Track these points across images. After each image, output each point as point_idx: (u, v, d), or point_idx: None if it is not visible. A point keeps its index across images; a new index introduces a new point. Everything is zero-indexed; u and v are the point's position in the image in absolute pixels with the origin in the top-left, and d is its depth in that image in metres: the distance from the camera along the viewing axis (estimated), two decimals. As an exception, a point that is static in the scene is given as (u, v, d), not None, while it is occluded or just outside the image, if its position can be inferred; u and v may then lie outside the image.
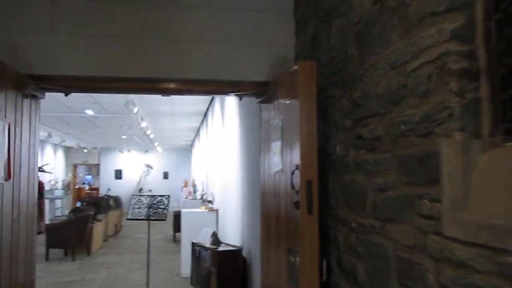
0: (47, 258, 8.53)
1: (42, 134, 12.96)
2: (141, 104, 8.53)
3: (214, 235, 4.66)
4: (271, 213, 2.92)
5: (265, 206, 3.06)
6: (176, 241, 10.66)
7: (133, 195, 6.20)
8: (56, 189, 17.31)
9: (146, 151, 19.94)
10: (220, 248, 4.19)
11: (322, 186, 2.44)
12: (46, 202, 15.29)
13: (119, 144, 18.38)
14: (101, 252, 9.42)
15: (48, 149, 17.28)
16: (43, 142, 16.22)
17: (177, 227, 10.59)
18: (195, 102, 8.65)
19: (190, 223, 7.13)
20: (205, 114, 10.07)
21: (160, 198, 5.97)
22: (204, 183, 10.00)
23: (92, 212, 9.15)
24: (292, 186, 2.42)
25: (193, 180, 13.94)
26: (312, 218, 2.37)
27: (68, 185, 19.97)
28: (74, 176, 21.08)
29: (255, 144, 3.86)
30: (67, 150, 19.83)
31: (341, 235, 2.34)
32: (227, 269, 4.13)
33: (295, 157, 2.42)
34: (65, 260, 8.53)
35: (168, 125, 12.11)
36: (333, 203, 2.43)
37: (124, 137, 15.05)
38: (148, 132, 11.18)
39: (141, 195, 6.07)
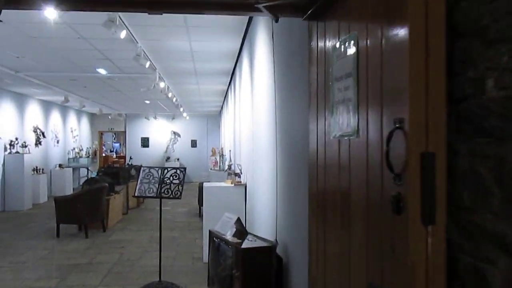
0: (57, 234, 7.67)
1: (58, 98, 12.06)
2: (156, 60, 7.33)
3: (239, 223, 3.49)
4: (330, 207, 1.69)
5: (317, 195, 1.82)
6: (202, 216, 9.64)
7: (141, 167, 5.08)
8: (80, 157, 16.65)
9: (173, 118, 18.96)
10: (247, 244, 3.02)
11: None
12: (70, 170, 14.64)
13: (144, 110, 17.44)
14: (118, 228, 8.52)
15: (72, 115, 16.53)
16: (65, 108, 15.44)
17: (202, 200, 9.57)
18: (219, 58, 7.37)
19: (213, 200, 6.01)
20: (232, 74, 8.79)
21: (173, 171, 4.82)
22: (232, 152, 8.84)
23: (106, 184, 8.18)
24: (389, 164, 1.16)
25: (221, 149, 12.84)
26: (434, 235, 1.12)
27: (95, 153, 19.35)
28: (101, 143, 20.44)
29: (298, 97, 2.60)
30: (92, 117, 19.10)
31: (495, 272, 1.07)
32: (255, 273, 2.98)
33: (392, 107, 1.16)
34: (77, 237, 7.65)
35: (192, 88, 10.93)
36: (471, 201, 1.16)
37: (147, 102, 14.01)
38: (170, 95, 10.03)
39: (152, 168, 4.94)
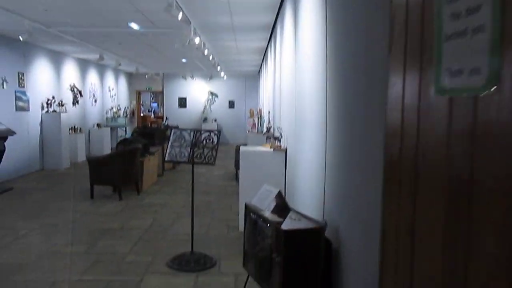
0: (92, 195, 7.49)
1: (94, 56, 11.76)
2: (190, 12, 6.74)
3: (280, 197, 2.99)
4: (426, 193, 1.13)
5: (399, 174, 1.26)
6: (239, 179, 9.27)
7: (172, 129, 4.62)
8: (118, 116, 16.56)
9: (211, 78, 18.46)
10: (289, 225, 2.52)
11: None
12: (108, 130, 14.58)
13: (181, 69, 17.00)
14: (152, 190, 8.27)
15: (109, 74, 16.34)
16: (102, 66, 15.23)
17: (239, 164, 9.16)
18: (259, 10, 6.69)
19: (250, 166, 5.54)
20: (273, 29, 8.09)
21: (207, 134, 4.34)
22: (271, 114, 8.28)
23: (140, 145, 7.86)
24: None
25: (260, 110, 12.29)
26: None
27: (133, 112, 19.29)
28: (139, 103, 20.33)
29: (360, 51, 2.00)
30: (130, 76, 18.89)
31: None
32: (299, 258, 2.49)
33: None
34: (111, 199, 7.44)
35: (230, 45, 10.30)
36: None
37: (184, 60, 13.53)
38: (206, 52, 9.46)
39: (183, 130, 4.46)
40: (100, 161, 7.59)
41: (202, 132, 4.38)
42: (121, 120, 16.77)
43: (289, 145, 5.34)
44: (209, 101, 18.70)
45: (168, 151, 4.37)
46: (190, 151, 4.27)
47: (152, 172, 8.94)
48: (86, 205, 7.08)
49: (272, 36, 8.50)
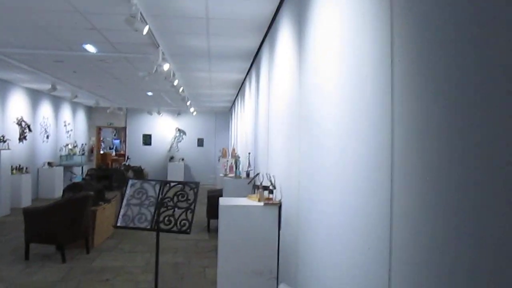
0: (26, 255, 5.90)
1: (46, 86, 10.30)
2: (158, 32, 5.55)
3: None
4: None
5: None
6: (212, 231, 7.87)
7: (129, 179, 3.28)
8: (74, 154, 14.88)
9: (179, 114, 17.17)
10: None
11: None
12: (60, 169, 12.91)
13: (147, 104, 15.65)
14: (106, 247, 6.73)
15: (65, 108, 14.76)
16: (58, 99, 13.69)
17: (212, 212, 7.80)
18: (245, 30, 5.58)
19: (233, 225, 4.23)
20: (256, 56, 6.99)
21: (180, 188, 3.03)
22: (252, 156, 7.04)
23: (91, 193, 6.39)
24: None
25: (234, 150, 11.05)
26: None
27: (91, 149, 17.60)
28: (99, 140, 18.69)
29: None
30: (89, 110, 17.32)
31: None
32: None
33: None
34: (51, 261, 5.88)
35: (203, 76, 9.12)
36: None
37: (150, 93, 12.23)
38: (176, 82, 8.23)
39: (146, 181, 3.14)
40: (39, 212, 6.04)
41: (172, 184, 3.07)
42: (77, 158, 15.09)
43: (286, 198, 4.08)
44: (176, 138, 17.32)
45: (121, 211, 3.02)
46: (154, 212, 2.93)
47: (108, 223, 7.40)
48: (17, 270, 5.50)
49: (254, 65, 7.39)
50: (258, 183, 4.77)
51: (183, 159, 17.12)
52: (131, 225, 2.96)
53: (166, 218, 2.93)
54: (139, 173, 10.57)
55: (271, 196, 4.47)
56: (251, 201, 4.57)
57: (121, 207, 3.04)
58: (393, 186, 1.69)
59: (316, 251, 2.88)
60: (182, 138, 17.27)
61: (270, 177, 4.55)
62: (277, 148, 4.58)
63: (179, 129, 17.23)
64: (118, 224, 3.03)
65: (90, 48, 6.52)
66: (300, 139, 3.39)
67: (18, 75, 9.41)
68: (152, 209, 2.95)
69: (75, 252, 6.23)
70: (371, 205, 1.88)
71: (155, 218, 2.93)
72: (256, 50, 6.68)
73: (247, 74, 8.64)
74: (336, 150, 2.40)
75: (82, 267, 5.69)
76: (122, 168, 10.77)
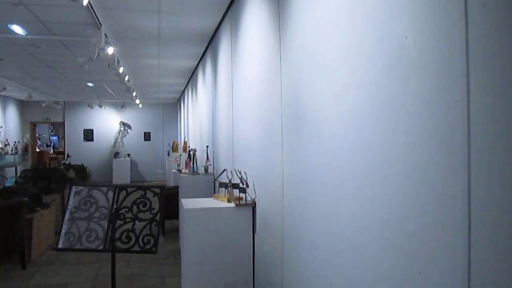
0: None
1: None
2: (101, 11, 4.75)
3: None
4: None
5: None
6: (167, 233, 7.16)
7: (72, 186, 2.55)
8: (6, 153, 13.43)
9: (123, 107, 16.05)
10: None
11: None
12: (-10, 171, 11.54)
13: (87, 96, 14.43)
14: (47, 260, 5.84)
15: (-7, 102, 13.26)
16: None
17: (166, 212, 7.06)
18: (201, 8, 4.91)
19: (199, 230, 3.60)
20: (212, 39, 6.31)
21: (140, 194, 2.36)
22: (211, 150, 6.38)
23: (25, 198, 5.48)
24: None
25: (185, 144, 10.32)
26: None
27: (26, 148, 16.06)
28: (34, 137, 17.13)
29: None
30: (22, 105, 15.77)
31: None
32: None
33: None
34: (-22, 282, 4.96)
35: (151, 63, 8.30)
36: None
37: (90, 84, 11.16)
38: (121, 70, 7.37)
39: (94, 187, 2.44)
40: (-39, 225, 5.07)
41: (129, 190, 2.39)
42: (10, 158, 13.64)
43: (263, 197, 3.50)
44: (120, 133, 16.19)
45: (63, 229, 2.31)
46: (108, 228, 2.25)
47: (48, 231, 6.49)
48: None
49: (210, 50, 6.72)
50: (226, 181, 4.16)
51: (129, 155, 16.06)
52: (78, 246, 2.26)
53: (124, 235, 2.26)
54: (81, 172, 9.59)
55: (242, 195, 3.88)
56: (219, 202, 3.95)
57: (62, 222, 2.33)
58: (471, 188, 1.16)
59: (313, 263, 2.34)
60: (127, 133, 16.17)
61: (240, 173, 3.95)
62: (249, 142, 3.98)
63: (123, 123, 16.11)
64: (60, 246, 2.32)
65: (17, 29, 5.55)
66: (286, 129, 2.81)
67: None
68: (105, 223, 2.27)
69: (8, 269, 5.33)
70: (431, 215, 1.34)
71: (109, 235, 2.26)
72: (212, 32, 6.02)
73: (200, 60, 7.93)
74: (354, 141, 1.84)
75: (16, 286, 4.82)
76: (62, 167, 9.70)
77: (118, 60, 7.09)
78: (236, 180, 3.99)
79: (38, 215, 6.00)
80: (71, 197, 2.35)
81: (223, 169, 4.77)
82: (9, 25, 5.44)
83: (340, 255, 1.97)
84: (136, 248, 2.25)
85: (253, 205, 3.73)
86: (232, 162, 4.69)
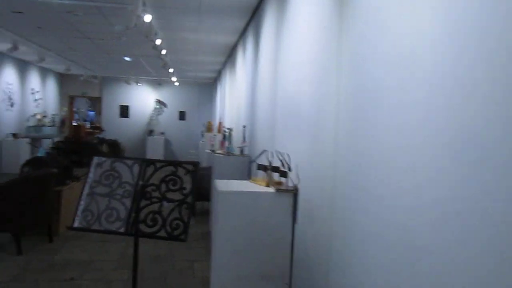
0: (-27, 245, 4.83)
1: (6, 46, 8.95)
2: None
3: None
4: None
5: None
6: (198, 215, 6.89)
7: (94, 158, 2.21)
8: (43, 125, 13.55)
9: (159, 84, 15.90)
10: None
11: None
12: (27, 141, 11.64)
13: (124, 72, 14.34)
14: (73, 235, 5.66)
15: (33, 73, 13.33)
16: (24, 63, 12.27)
17: (198, 192, 6.77)
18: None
19: (233, 214, 3.24)
20: (255, 11, 5.88)
21: (171, 169, 2.00)
22: (248, 130, 6.01)
23: (54, 170, 5.28)
24: None
25: (220, 124, 10.00)
26: None
27: (63, 121, 16.22)
28: (71, 110, 17.30)
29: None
30: (61, 78, 15.88)
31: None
32: None
33: None
34: (4, 253, 4.82)
35: (189, 38, 7.95)
36: None
37: (128, 59, 10.96)
38: (158, 42, 7.05)
39: (118, 160, 2.09)
40: (-9, 192, 4.93)
41: (158, 165, 2.03)
42: (48, 130, 13.77)
43: (308, 183, 3.10)
44: (156, 111, 16.08)
45: (81, 205, 1.98)
46: (131, 207, 1.91)
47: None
48: (-43, 265, 4.42)
49: (252, 24, 6.29)
50: (265, 163, 3.77)
51: (163, 133, 15.95)
52: (96, 226, 1.94)
53: (150, 216, 1.92)
54: (114, 147, 9.45)
55: (282, 180, 3.48)
56: (257, 186, 3.57)
57: (80, 197, 2.02)
58: None
59: (373, 267, 1.92)
60: (163, 111, 16.05)
61: (282, 156, 3.54)
62: (294, 122, 3.56)
63: (159, 101, 15.98)
64: (75, 225, 2.00)
65: (54, -8, 5.31)
66: (343, 105, 2.38)
67: (-28, 30, 8.07)
68: (128, 202, 1.93)
69: (34, 241, 5.18)
70: None
71: (133, 216, 1.92)
72: (256, 4, 5.58)
73: (241, 36, 7.52)
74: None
75: (41, 261, 4.64)
76: (95, 141, 9.58)
77: (156, 33, 6.77)
78: (276, 163, 3.60)
79: (67, 188, 5.82)
80: (92, 170, 2.03)
81: (261, 150, 4.38)
82: (45, -12, 5.19)
83: (411, 260, 1.55)
84: (162, 233, 1.91)
85: (295, 192, 3.33)
86: (272, 143, 4.29)
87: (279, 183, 3.47)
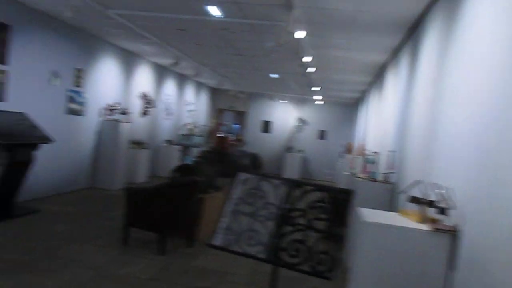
0: (124, 240, 5.25)
1: (169, 61, 9.86)
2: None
3: None
4: None
5: None
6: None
7: (240, 173, 2.11)
8: (193, 135, 14.64)
9: (301, 102, 16.02)
10: None
11: None
12: (178, 148, 12.67)
13: (269, 88, 14.78)
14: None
15: (189, 87, 14.55)
16: (183, 77, 13.47)
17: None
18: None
19: (377, 250, 2.88)
20: (416, 25, 5.42)
21: (319, 196, 1.77)
22: (397, 156, 5.52)
23: (201, 178, 5.51)
24: None
25: (362, 146, 9.53)
26: None
27: (211, 132, 17.36)
28: (219, 122, 18.44)
29: None
30: (212, 92, 17.08)
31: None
32: None
33: None
34: (148, 252, 5.13)
35: (337, 55, 7.75)
36: None
37: (274, 76, 11.21)
38: (308, 59, 6.99)
39: (265, 178, 1.95)
40: (141, 193, 5.33)
41: (307, 188, 1.83)
42: (196, 139, 14.84)
43: (477, 226, 2.59)
44: (297, 128, 16.20)
45: (223, 222, 1.88)
46: (276, 232, 1.73)
47: (217, 213, 6.54)
48: (110, 256, 4.83)
49: (410, 41, 5.82)
50: (417, 195, 3.32)
51: (301, 151, 15.96)
52: (235, 247, 1.82)
53: (293, 245, 1.73)
54: (254, 160, 9.71)
55: (439, 217, 3.01)
56: (408, 221, 3.15)
57: (222, 213, 1.92)
58: None
59: None
60: (303, 129, 16.10)
61: (441, 190, 3.07)
62: (459, 152, 3.06)
63: (301, 119, 16.09)
64: (216, 243, 1.90)
65: (214, 10, 5.58)
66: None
67: (144, 47, 9.07)
68: (271, 225, 1.77)
69: (176, 244, 5.43)
70: None
71: (274, 240, 1.75)
72: (414, 20, 5.13)
73: (393, 54, 7.05)
74: None
75: (180, 264, 4.82)
76: (238, 153, 9.97)
77: (306, 49, 6.72)
78: (431, 197, 3.13)
79: (210, 196, 6.03)
80: (237, 186, 1.92)
81: (411, 180, 3.91)
82: (206, 6, 5.49)
83: None
84: (305, 267, 1.69)
85: (455, 233, 2.83)
86: (426, 174, 3.79)
87: (435, 221, 3.01)
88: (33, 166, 6.29)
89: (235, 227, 1.85)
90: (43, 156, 6.66)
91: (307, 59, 6.92)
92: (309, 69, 8.17)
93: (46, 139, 6.46)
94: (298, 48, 6.07)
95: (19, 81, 6.53)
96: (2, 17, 6.13)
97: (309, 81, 9.63)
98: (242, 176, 1.97)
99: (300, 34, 5.25)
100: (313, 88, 11.63)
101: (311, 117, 16.14)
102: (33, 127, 6.39)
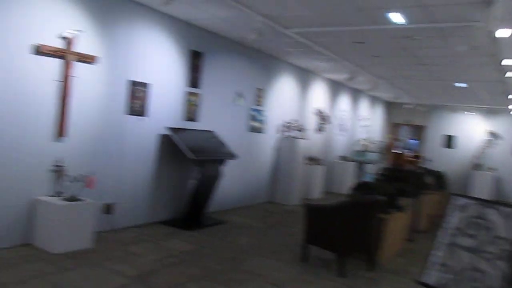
0: (303, 258, 5.20)
1: (344, 76, 9.70)
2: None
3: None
4: None
5: None
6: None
7: (456, 197, 1.77)
8: (367, 151, 14.14)
9: (492, 113, 14.09)
10: None
11: None
12: (353, 165, 12.39)
13: (451, 99, 13.39)
14: (393, 267, 5.39)
15: (363, 101, 14.16)
16: (356, 91, 13.20)
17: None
18: None
19: None
20: None
21: None
22: None
23: (382, 197, 5.14)
24: None
25: None
26: None
27: (387, 148, 16.55)
28: (394, 138, 17.49)
29: None
30: (387, 106, 16.32)
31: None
32: None
33: None
34: (327, 271, 4.97)
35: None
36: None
37: (461, 85, 10.05)
38: (507, 62, 6.01)
39: (489, 204, 1.57)
40: (322, 210, 5.22)
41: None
42: (371, 155, 14.29)
43: None
44: (487, 143, 14.28)
45: (437, 255, 1.56)
46: (508, 275, 1.35)
47: (398, 235, 6.06)
48: (291, 273, 4.82)
49: None
50: None
51: (493, 169, 13.96)
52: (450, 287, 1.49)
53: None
54: (439, 179, 8.79)
55: None
56: None
57: (435, 246, 1.61)
58: None
59: None
60: (496, 144, 14.10)
61: None
62: None
63: (492, 132, 14.14)
64: (428, 282, 1.59)
65: (396, 17, 5.22)
66: None
67: (319, 63, 9.13)
68: (503, 265, 1.39)
69: (354, 265, 5.15)
70: None
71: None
72: None
73: None
74: None
75: (361, 289, 4.53)
76: (420, 171, 9.17)
77: (504, 51, 5.79)
78: None
79: (391, 216, 5.60)
80: (453, 212, 1.59)
81: None
82: (387, 14, 5.17)
83: None
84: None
85: None
86: None
87: None
88: (221, 180, 6.80)
89: (453, 264, 1.52)
90: (228, 171, 7.15)
91: (507, 62, 5.94)
92: (509, 74, 7.03)
93: (231, 156, 6.93)
94: (496, 50, 5.24)
95: (209, 103, 7.18)
96: (197, 47, 6.84)
97: (507, 88, 8.32)
98: (458, 200, 1.62)
99: (503, 33, 4.51)
100: (510, 96, 10.06)
101: (506, 130, 14.04)
102: (221, 144, 6.93)
